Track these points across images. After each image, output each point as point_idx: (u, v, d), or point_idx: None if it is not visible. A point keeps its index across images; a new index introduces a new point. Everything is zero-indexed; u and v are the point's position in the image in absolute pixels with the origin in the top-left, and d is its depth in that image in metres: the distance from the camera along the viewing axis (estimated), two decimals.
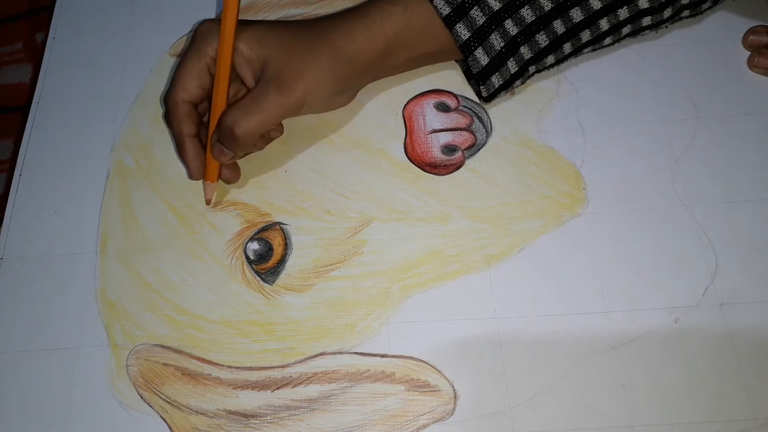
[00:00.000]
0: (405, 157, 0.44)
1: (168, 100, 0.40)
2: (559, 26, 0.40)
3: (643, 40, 0.46)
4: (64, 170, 0.45)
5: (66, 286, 0.41)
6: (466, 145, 0.44)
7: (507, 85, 0.42)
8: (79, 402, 0.38)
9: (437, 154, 0.44)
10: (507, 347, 0.38)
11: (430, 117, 0.45)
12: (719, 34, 0.46)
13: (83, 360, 0.39)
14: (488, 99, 0.43)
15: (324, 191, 0.43)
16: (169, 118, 0.41)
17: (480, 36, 0.39)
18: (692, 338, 0.37)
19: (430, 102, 0.45)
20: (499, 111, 0.45)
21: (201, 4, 0.51)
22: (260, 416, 0.37)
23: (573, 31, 0.40)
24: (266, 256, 0.41)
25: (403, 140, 0.44)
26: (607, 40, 0.43)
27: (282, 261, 0.41)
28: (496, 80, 0.41)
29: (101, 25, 0.51)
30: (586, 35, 0.41)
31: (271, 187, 0.43)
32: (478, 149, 0.44)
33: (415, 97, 0.46)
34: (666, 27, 0.44)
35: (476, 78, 0.42)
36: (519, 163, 0.43)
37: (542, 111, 0.45)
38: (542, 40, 0.40)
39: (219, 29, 0.39)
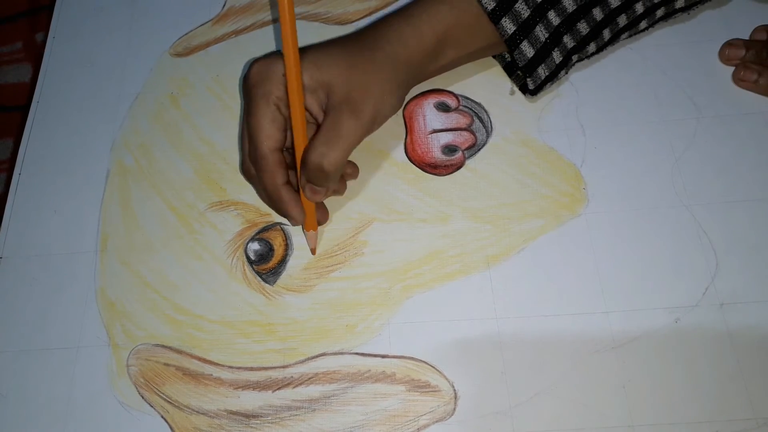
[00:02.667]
0: (405, 157, 0.44)
1: (254, 154, 0.38)
2: (598, 13, 0.41)
3: (641, 36, 0.46)
4: (64, 169, 0.45)
5: (66, 285, 0.41)
6: (467, 145, 0.44)
7: (552, 76, 0.42)
8: (79, 402, 0.38)
9: (437, 155, 0.44)
10: (507, 347, 0.38)
11: (431, 117, 0.45)
12: (719, 34, 0.46)
13: (83, 360, 0.39)
14: (535, 92, 0.43)
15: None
16: (259, 172, 0.38)
17: (525, 29, 0.40)
18: (692, 338, 0.37)
19: (430, 102, 0.45)
20: (500, 111, 0.45)
21: (201, 4, 0.51)
22: (261, 416, 0.37)
23: (611, 17, 0.41)
24: (267, 256, 0.41)
25: (403, 140, 0.44)
26: (643, 24, 0.43)
27: (283, 261, 0.41)
28: (542, 72, 0.42)
29: (101, 25, 0.51)
30: (622, 20, 0.42)
31: None
32: (479, 149, 0.44)
33: (415, 96, 0.46)
34: (697, 8, 0.44)
35: (522, 71, 0.42)
36: (519, 163, 0.43)
37: (542, 111, 0.45)
38: (583, 28, 0.41)
39: (274, 67, 0.37)
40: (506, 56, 0.45)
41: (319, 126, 0.38)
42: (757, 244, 0.40)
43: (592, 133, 0.44)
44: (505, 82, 0.46)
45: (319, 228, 0.42)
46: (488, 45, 0.42)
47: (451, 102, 0.45)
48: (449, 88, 0.46)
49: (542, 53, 0.41)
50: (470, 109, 0.45)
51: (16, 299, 0.41)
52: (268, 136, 0.37)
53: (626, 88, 0.45)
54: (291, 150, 0.40)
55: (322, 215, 0.41)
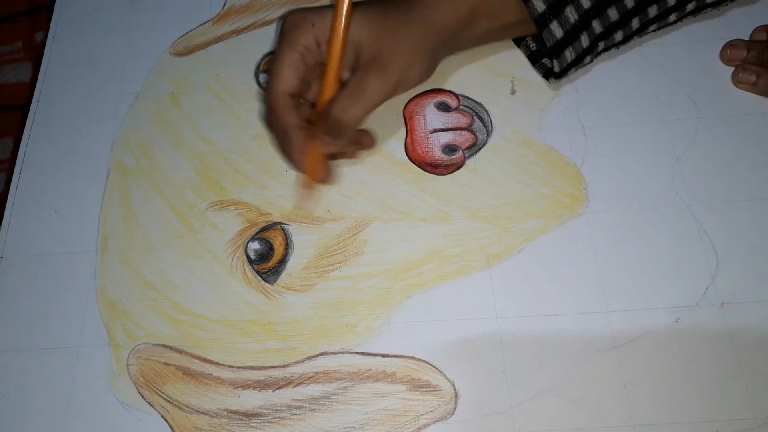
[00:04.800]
0: (406, 156, 0.44)
1: (270, 94, 0.40)
2: (629, 0, 0.41)
3: (649, 38, 0.46)
4: (64, 169, 0.45)
5: (66, 285, 0.41)
6: (467, 144, 0.44)
7: (578, 61, 0.42)
8: (79, 402, 0.38)
9: (438, 154, 0.44)
10: (508, 347, 0.38)
11: (431, 116, 0.45)
12: (719, 34, 0.46)
13: (84, 359, 0.39)
14: (559, 75, 0.43)
15: (325, 191, 0.43)
16: (273, 112, 0.40)
17: (555, 9, 0.40)
18: (693, 338, 0.37)
19: (430, 101, 0.45)
20: (500, 111, 0.45)
21: (201, 4, 0.51)
22: (261, 416, 0.37)
23: (641, 6, 0.41)
24: (267, 255, 0.41)
25: (403, 140, 0.44)
26: (672, 17, 0.43)
27: (283, 261, 0.41)
28: (569, 54, 0.41)
29: (101, 24, 0.51)
30: (653, 10, 0.42)
31: (272, 187, 0.43)
32: (479, 149, 0.44)
33: (416, 96, 0.46)
34: (727, 4, 0.44)
35: (550, 51, 0.42)
36: (520, 163, 0.43)
37: (543, 110, 0.45)
38: (613, 14, 0.41)
39: (307, 16, 0.39)
40: (531, 45, 0.45)
41: (343, 84, 0.40)
42: (757, 244, 0.40)
43: (593, 133, 0.44)
44: (506, 82, 0.46)
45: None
46: (519, 20, 0.42)
47: (452, 101, 0.45)
48: (449, 88, 0.46)
49: (571, 35, 0.41)
50: (471, 108, 0.45)
51: (16, 299, 0.41)
52: (283, 80, 0.39)
53: (626, 88, 0.45)
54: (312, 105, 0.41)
55: (327, 174, 0.42)
